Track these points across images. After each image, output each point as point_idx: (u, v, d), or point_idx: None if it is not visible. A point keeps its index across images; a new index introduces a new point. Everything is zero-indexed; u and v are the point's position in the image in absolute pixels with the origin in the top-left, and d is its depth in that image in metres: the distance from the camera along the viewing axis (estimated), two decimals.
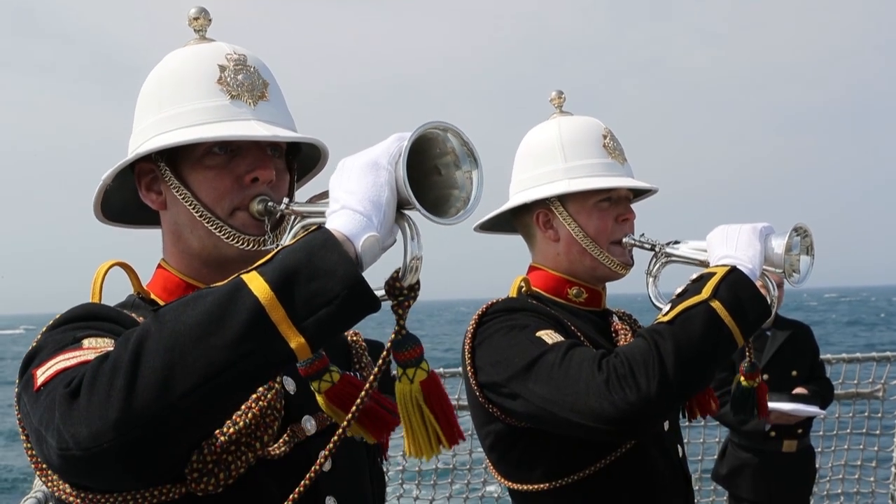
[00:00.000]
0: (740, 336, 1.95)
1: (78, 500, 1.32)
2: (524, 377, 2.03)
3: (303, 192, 1.69)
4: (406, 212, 1.23)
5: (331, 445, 1.23)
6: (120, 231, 1.75)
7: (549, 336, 2.08)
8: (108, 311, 1.48)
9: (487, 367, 2.15)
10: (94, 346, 1.32)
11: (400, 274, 1.21)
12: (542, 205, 2.36)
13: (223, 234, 1.51)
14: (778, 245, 2.09)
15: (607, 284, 2.44)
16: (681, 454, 2.39)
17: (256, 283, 1.15)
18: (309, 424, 1.52)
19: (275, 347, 1.15)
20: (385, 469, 1.85)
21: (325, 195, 1.32)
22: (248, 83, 1.56)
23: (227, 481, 1.37)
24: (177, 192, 1.53)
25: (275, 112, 1.58)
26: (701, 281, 2.01)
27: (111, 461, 1.16)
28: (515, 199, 2.41)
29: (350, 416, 1.24)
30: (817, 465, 5.53)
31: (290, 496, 1.28)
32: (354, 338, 1.78)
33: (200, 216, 1.52)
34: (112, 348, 1.22)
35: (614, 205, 2.35)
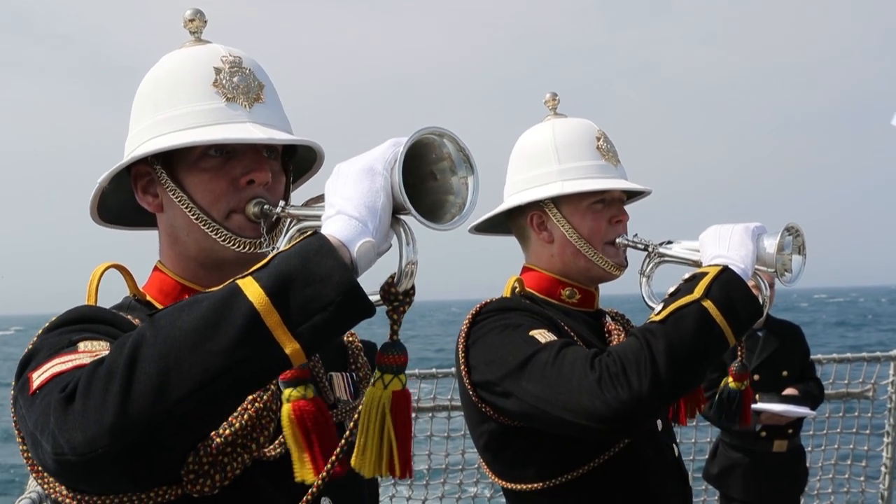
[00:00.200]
0: (732, 335, 1.97)
1: (74, 502, 1.32)
2: (517, 376, 2.04)
3: (299, 194, 1.69)
4: (402, 217, 1.23)
5: (324, 474, 1.27)
6: (115, 232, 1.76)
7: (543, 335, 2.09)
8: (103, 314, 1.48)
9: (481, 366, 2.15)
10: (90, 350, 1.32)
11: (395, 279, 1.21)
12: (536, 206, 2.38)
13: (219, 237, 1.51)
14: (770, 245, 2.10)
15: (601, 285, 2.45)
16: (676, 453, 2.40)
17: (252, 289, 1.15)
18: None
19: (269, 353, 1.15)
20: None
21: (321, 198, 1.32)
22: (243, 85, 1.56)
23: (222, 483, 1.37)
24: (173, 194, 1.53)
25: (270, 114, 1.58)
26: (693, 280, 2.02)
27: (106, 466, 1.17)
28: (509, 201, 2.42)
29: (333, 458, 1.26)
30: (808, 465, 5.56)
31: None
32: (350, 339, 1.78)
33: (196, 219, 1.52)
34: (108, 352, 1.22)
35: (608, 206, 2.36)
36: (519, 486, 2.25)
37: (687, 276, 2.08)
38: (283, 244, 1.39)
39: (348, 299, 1.15)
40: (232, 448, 1.39)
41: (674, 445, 2.40)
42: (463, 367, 2.20)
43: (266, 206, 1.50)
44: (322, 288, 1.14)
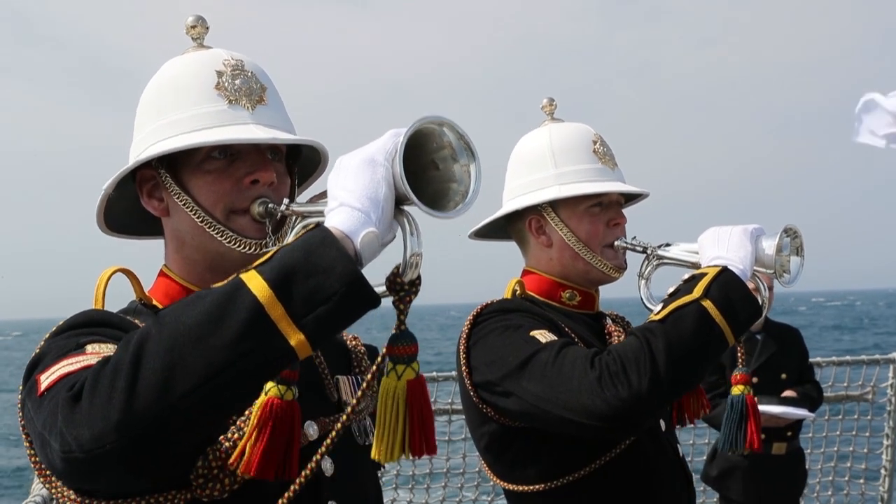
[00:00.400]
0: (731, 335, 1.98)
1: None
2: (518, 375, 2.05)
3: (304, 197, 1.69)
4: (405, 208, 1.23)
5: (323, 449, 1.25)
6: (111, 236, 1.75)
7: (543, 335, 2.10)
8: (110, 317, 1.48)
9: (482, 367, 2.17)
10: (98, 352, 1.33)
11: (400, 269, 1.21)
12: (534, 211, 2.39)
13: (224, 239, 1.51)
14: (769, 246, 2.12)
15: (601, 288, 2.46)
16: (680, 454, 2.40)
17: (255, 282, 1.16)
18: (311, 430, 1.52)
19: (274, 345, 1.15)
20: (379, 474, 1.86)
21: (325, 195, 1.32)
22: (245, 88, 1.56)
23: (231, 487, 1.37)
24: (177, 198, 1.53)
25: (273, 116, 1.58)
26: (693, 281, 2.03)
27: (113, 462, 1.17)
28: (508, 205, 2.44)
29: (345, 417, 1.26)
30: (807, 467, 5.56)
31: (285, 494, 1.29)
32: (353, 342, 1.79)
33: (201, 221, 1.52)
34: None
35: (605, 210, 2.37)
36: (520, 488, 2.25)
37: (686, 276, 2.09)
38: (289, 241, 1.40)
39: (352, 290, 1.15)
40: (236, 463, 1.36)
41: (677, 446, 2.40)
42: (464, 368, 2.21)
43: (270, 205, 1.50)
44: (325, 279, 1.14)
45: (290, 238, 1.40)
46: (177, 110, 1.55)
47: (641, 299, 2.36)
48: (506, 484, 2.31)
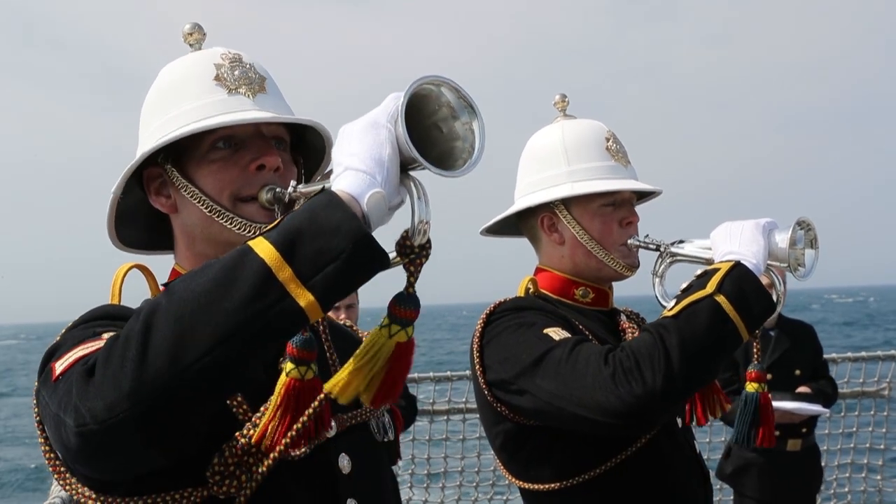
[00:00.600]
0: (745, 330, 1.97)
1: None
2: (532, 373, 2.05)
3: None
4: (412, 173, 1.23)
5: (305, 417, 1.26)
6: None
7: (557, 333, 2.09)
8: (127, 312, 1.47)
9: (495, 365, 2.16)
10: None
11: (409, 233, 1.21)
12: (547, 208, 2.38)
13: (234, 226, 1.51)
14: (782, 240, 2.10)
15: (615, 286, 2.45)
16: (697, 450, 2.39)
17: (262, 247, 1.16)
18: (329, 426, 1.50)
19: (284, 307, 1.14)
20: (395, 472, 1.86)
21: (331, 173, 1.32)
22: (244, 78, 1.57)
23: (248, 483, 1.37)
24: (185, 191, 1.54)
25: (275, 103, 1.59)
26: (706, 276, 2.02)
27: (128, 432, 1.16)
28: (520, 203, 2.43)
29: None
30: (823, 464, 5.53)
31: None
32: (363, 335, 1.79)
33: (210, 211, 1.52)
34: None
35: (618, 208, 2.36)
36: (536, 487, 2.25)
37: (699, 272, 2.08)
38: None
39: (359, 247, 1.15)
40: (257, 448, 1.37)
41: (694, 443, 2.39)
42: (478, 366, 2.21)
43: (278, 190, 1.50)
44: (332, 238, 1.14)
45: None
46: (178, 105, 1.56)
47: (656, 297, 2.35)
48: (521, 483, 2.30)
